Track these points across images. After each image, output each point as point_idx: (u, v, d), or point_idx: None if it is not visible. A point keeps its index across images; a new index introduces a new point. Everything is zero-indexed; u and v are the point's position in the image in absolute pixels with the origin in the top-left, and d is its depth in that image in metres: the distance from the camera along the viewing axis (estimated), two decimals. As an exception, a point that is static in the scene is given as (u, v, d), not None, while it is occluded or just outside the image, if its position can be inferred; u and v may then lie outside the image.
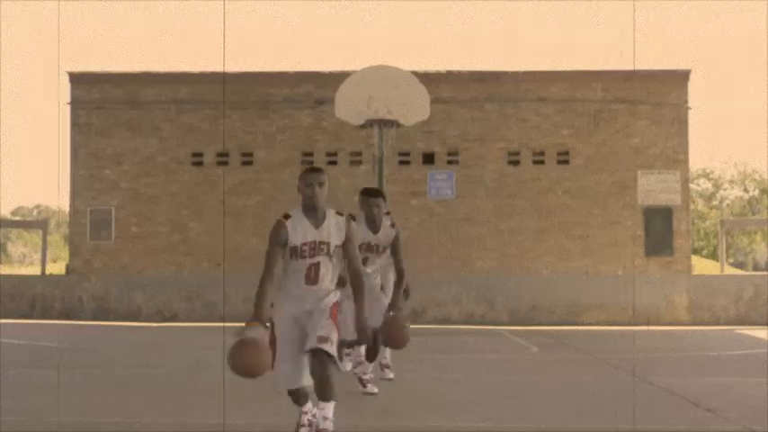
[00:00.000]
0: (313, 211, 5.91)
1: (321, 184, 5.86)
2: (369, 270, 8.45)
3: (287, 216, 5.90)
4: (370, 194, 8.66)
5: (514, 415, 7.57)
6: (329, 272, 5.96)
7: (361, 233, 8.30)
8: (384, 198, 8.67)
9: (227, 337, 5.88)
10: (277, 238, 5.87)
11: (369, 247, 8.61)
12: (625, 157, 21.09)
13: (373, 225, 8.60)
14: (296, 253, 5.87)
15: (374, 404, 8.10)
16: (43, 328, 17.88)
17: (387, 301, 8.73)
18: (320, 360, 5.69)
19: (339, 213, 6.00)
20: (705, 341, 15.77)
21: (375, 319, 8.20)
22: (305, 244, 5.85)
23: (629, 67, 21.10)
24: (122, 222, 21.36)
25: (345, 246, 5.93)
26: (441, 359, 12.58)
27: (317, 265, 5.90)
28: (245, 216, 21.02)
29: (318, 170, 5.94)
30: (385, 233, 8.66)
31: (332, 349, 5.69)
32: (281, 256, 5.89)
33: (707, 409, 7.77)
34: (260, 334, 5.63)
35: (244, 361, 5.59)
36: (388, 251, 8.73)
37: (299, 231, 5.85)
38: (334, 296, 6.01)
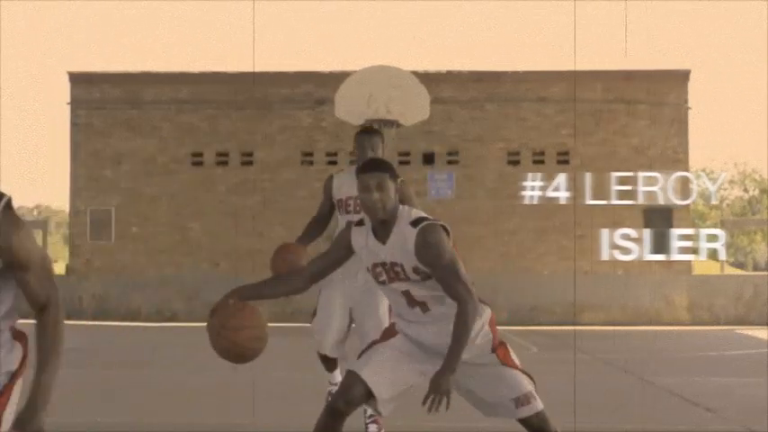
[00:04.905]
0: None
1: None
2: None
3: None
4: (363, 131, 6.12)
5: (514, 415, 7.55)
6: None
7: (346, 186, 6.01)
8: (383, 140, 6.13)
9: None
10: None
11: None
12: (625, 157, 21.07)
13: None
14: None
15: (374, 404, 8.10)
16: (43, 328, 17.84)
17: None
18: None
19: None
20: (705, 341, 15.77)
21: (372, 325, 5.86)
22: None
23: (629, 67, 21.09)
24: (122, 222, 21.33)
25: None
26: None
27: None
28: (245, 216, 20.99)
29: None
30: None
31: None
32: None
33: (707, 409, 7.77)
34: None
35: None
36: None
37: None
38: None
